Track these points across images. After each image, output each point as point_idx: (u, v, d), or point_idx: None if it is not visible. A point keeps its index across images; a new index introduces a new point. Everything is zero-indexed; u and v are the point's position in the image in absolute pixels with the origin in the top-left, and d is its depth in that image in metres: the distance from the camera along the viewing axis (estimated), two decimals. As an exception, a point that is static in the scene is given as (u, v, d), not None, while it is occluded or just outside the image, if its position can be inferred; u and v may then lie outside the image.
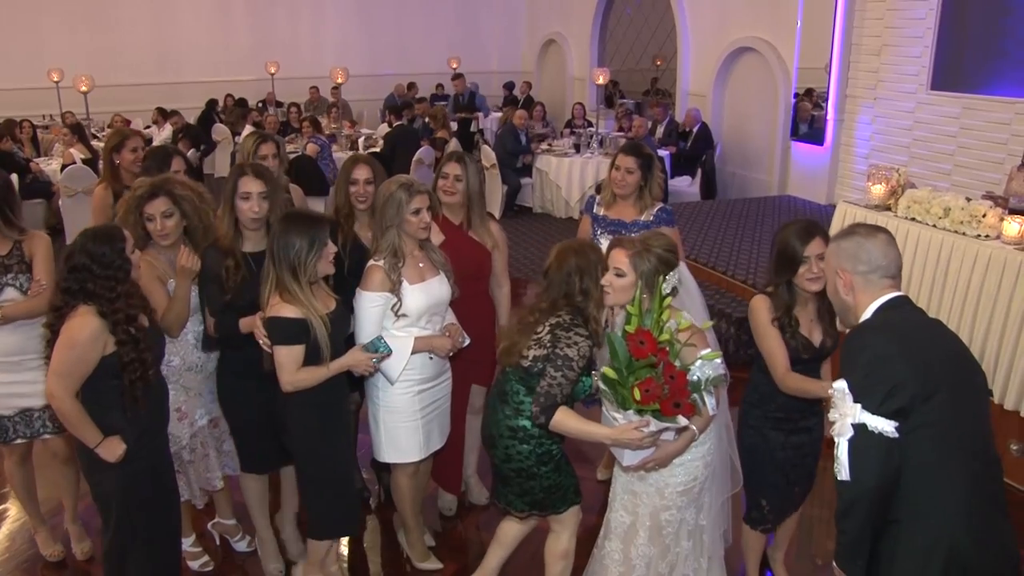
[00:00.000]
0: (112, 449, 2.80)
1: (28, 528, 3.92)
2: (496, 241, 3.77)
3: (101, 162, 9.13)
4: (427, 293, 3.22)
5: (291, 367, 2.91)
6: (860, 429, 2.03)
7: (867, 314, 2.22)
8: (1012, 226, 4.42)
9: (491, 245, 3.74)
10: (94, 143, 9.79)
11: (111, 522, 2.93)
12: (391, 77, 14.23)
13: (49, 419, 3.45)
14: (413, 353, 3.18)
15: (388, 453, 3.35)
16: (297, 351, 2.90)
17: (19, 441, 3.51)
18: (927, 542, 2.05)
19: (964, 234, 4.60)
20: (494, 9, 15.96)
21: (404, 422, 3.29)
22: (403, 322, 3.19)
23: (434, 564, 3.67)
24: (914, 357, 2.07)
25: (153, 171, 3.72)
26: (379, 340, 2.99)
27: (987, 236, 4.53)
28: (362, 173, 3.63)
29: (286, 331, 2.89)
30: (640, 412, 2.59)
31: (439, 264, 3.34)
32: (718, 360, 2.69)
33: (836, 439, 2.09)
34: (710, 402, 2.69)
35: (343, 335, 3.09)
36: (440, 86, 14.96)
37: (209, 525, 3.86)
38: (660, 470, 2.80)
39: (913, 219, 4.92)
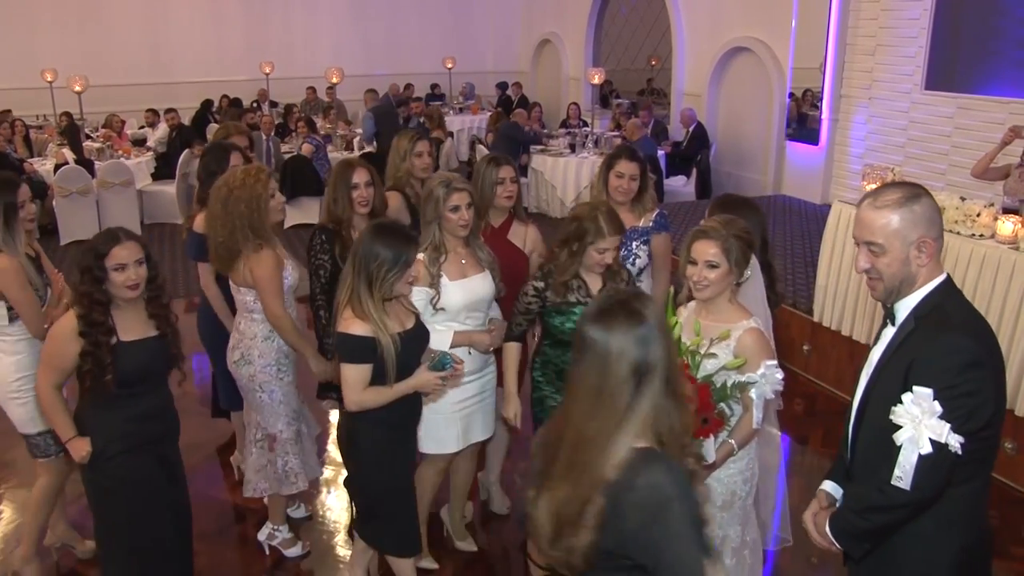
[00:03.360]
0: (76, 448, 2.83)
1: (20, 535, 3.89)
2: (535, 245, 3.74)
3: (97, 160, 9.14)
4: (466, 290, 3.24)
5: (357, 386, 2.81)
6: (940, 448, 1.90)
7: (923, 292, 2.03)
8: (1006, 225, 4.43)
9: (529, 249, 3.72)
10: (87, 143, 9.76)
11: (96, 527, 2.96)
12: (386, 77, 14.21)
13: None
14: (452, 347, 3.19)
15: (427, 444, 3.35)
16: (364, 370, 2.80)
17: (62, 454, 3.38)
18: (950, 546, 2.03)
19: (959, 233, 4.61)
20: (489, 9, 15.94)
21: (441, 414, 3.31)
22: (442, 316, 3.23)
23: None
24: (995, 369, 1.96)
25: (212, 166, 3.74)
26: (447, 357, 2.88)
27: (981, 235, 4.54)
28: (362, 176, 3.62)
29: (354, 349, 2.78)
30: None
31: (485, 262, 3.35)
32: (772, 366, 2.57)
33: (902, 443, 1.95)
34: (756, 415, 2.61)
35: (419, 354, 2.97)
36: (436, 86, 14.96)
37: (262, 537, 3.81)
38: None
39: (908, 218, 4.92)
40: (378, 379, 2.82)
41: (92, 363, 2.73)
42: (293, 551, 3.75)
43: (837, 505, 2.25)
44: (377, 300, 2.78)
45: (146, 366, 2.86)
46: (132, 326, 2.82)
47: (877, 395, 2.08)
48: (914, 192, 2.03)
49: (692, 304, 2.81)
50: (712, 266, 2.65)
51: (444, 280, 3.22)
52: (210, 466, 4.57)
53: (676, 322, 2.61)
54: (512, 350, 3.30)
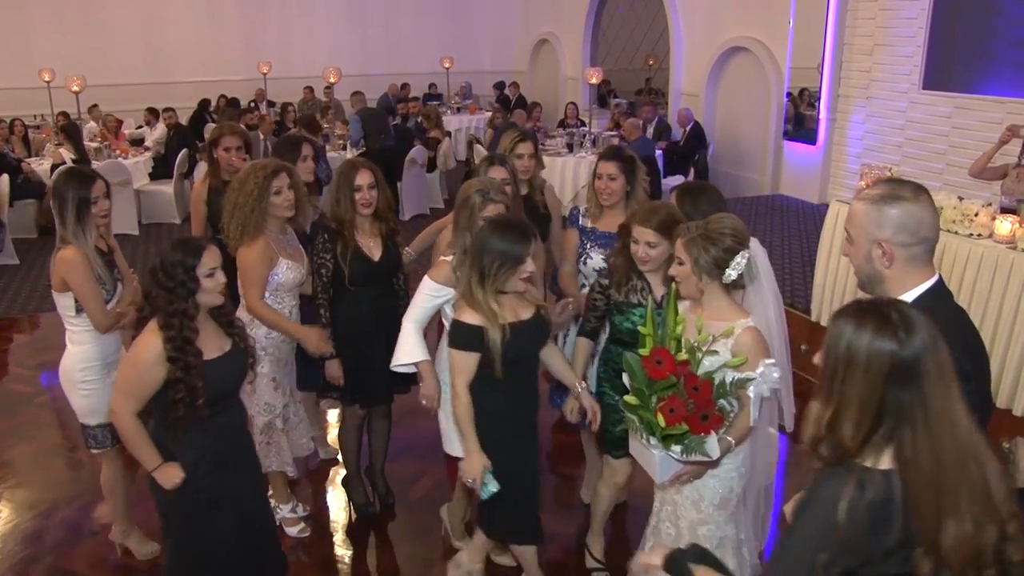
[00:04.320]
0: (169, 476, 2.68)
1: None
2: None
3: (94, 160, 9.13)
4: None
5: (463, 373, 2.86)
6: None
7: (911, 296, 1.98)
8: (1004, 225, 4.44)
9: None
10: (85, 143, 9.74)
11: (168, 548, 2.86)
12: (383, 77, 14.23)
13: None
14: None
15: (457, 446, 3.26)
16: (470, 358, 2.84)
17: None
18: None
19: (956, 233, 4.63)
20: (487, 8, 15.96)
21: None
22: None
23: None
24: (981, 379, 1.94)
25: (285, 157, 3.84)
26: (492, 484, 2.90)
27: (979, 235, 4.56)
28: (365, 178, 3.57)
29: (462, 336, 2.84)
30: (666, 438, 2.51)
31: None
32: (770, 365, 2.57)
33: None
34: (753, 412, 2.61)
35: (535, 343, 2.99)
36: (433, 85, 14.96)
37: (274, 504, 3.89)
38: (694, 481, 2.75)
39: (906, 218, 4.93)
40: (486, 368, 2.85)
41: (184, 390, 2.57)
42: (292, 530, 3.87)
43: None
44: (489, 292, 2.80)
45: (228, 383, 2.76)
46: (209, 343, 2.69)
47: None
48: (897, 194, 1.98)
49: (686, 302, 2.81)
50: (679, 263, 2.71)
51: None
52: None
53: (681, 320, 2.62)
54: (583, 346, 3.33)
